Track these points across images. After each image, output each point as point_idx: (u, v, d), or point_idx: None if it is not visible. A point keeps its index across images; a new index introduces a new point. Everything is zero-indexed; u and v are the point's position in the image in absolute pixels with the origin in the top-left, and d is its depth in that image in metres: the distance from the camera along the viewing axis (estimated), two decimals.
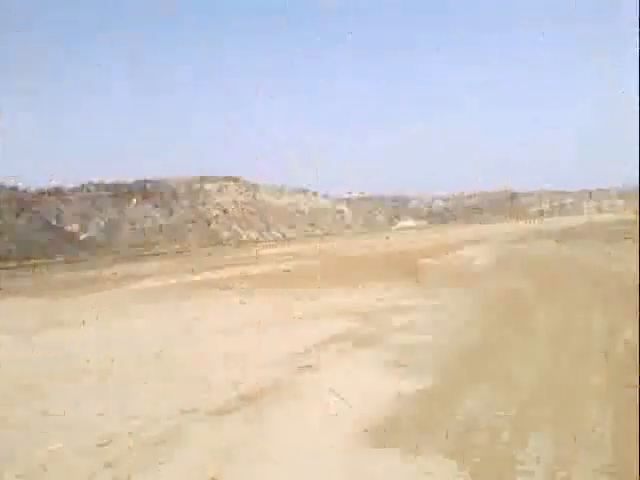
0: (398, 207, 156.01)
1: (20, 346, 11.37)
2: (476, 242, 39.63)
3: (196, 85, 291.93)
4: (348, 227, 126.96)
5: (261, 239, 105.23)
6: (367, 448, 5.19)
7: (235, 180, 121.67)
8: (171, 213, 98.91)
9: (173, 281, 24.96)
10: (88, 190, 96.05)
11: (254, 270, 28.27)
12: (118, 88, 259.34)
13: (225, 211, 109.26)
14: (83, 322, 13.99)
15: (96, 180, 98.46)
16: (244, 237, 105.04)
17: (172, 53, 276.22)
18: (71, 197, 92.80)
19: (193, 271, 31.12)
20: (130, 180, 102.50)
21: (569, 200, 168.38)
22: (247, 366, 8.33)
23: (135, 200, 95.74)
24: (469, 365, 7.61)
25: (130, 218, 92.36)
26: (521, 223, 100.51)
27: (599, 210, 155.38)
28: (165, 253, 69.68)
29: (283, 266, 29.64)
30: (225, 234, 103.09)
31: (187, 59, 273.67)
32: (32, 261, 61.24)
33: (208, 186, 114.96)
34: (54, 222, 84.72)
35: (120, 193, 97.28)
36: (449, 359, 7.99)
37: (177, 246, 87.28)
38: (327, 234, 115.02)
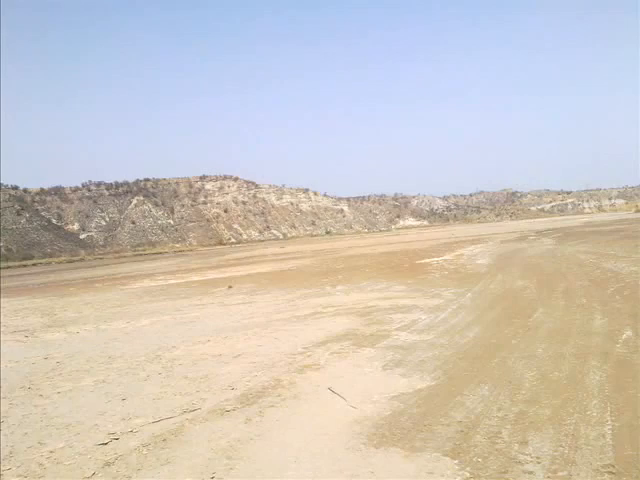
0: (399, 207, 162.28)
1: (25, 345, 11.37)
2: (477, 241, 39.63)
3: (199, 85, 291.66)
4: (349, 226, 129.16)
5: (262, 238, 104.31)
6: (367, 447, 5.19)
7: (235, 179, 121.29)
8: (172, 212, 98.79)
9: (174, 281, 24.97)
10: (89, 189, 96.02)
11: (256, 269, 28.27)
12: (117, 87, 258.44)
13: (226, 210, 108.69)
14: (86, 322, 14.00)
15: (97, 179, 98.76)
16: (245, 236, 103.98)
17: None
18: (72, 196, 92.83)
19: (194, 270, 31.15)
20: (130, 179, 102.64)
21: (570, 200, 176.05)
22: (247, 366, 8.33)
23: (136, 200, 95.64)
24: (469, 365, 7.60)
25: (131, 217, 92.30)
26: (522, 222, 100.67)
27: (600, 209, 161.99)
28: (166, 252, 69.83)
29: (284, 265, 29.66)
30: (226, 233, 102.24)
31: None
32: (33, 260, 61.36)
33: (209, 185, 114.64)
34: (55, 221, 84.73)
35: (121, 192, 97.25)
36: (449, 358, 7.98)
37: (178, 245, 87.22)
38: (328, 233, 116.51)
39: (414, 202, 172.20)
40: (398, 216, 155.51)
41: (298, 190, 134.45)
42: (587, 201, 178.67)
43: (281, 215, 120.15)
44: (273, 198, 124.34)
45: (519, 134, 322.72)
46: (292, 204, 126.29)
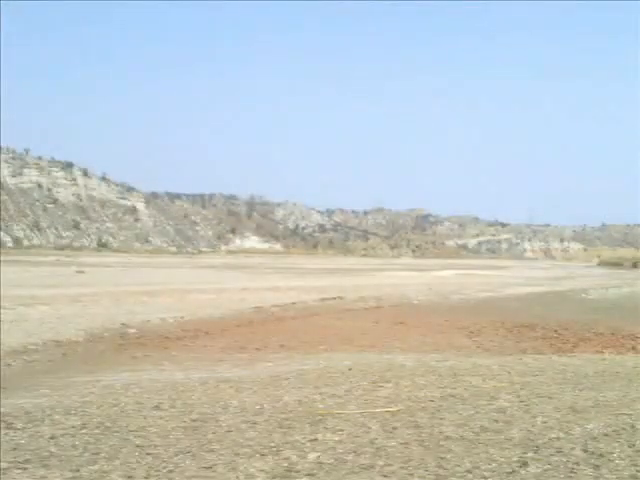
0: (238, 216, 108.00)
1: None
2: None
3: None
4: (145, 239, 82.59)
5: None
6: None
7: None
8: None
9: None
10: None
11: None
12: None
13: None
14: None
15: None
16: None
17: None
18: None
19: None
20: None
21: (505, 236, 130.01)
22: None
23: None
24: None
25: None
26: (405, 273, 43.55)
27: (547, 254, 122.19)
28: None
29: None
30: None
31: None
32: None
33: None
34: None
35: None
36: None
37: None
38: (101, 247, 70.11)
39: (280, 212, 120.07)
40: (233, 231, 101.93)
41: (54, 164, 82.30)
42: (530, 240, 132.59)
43: (17, 205, 73.57)
44: (6, 172, 75.73)
45: (440, 138, 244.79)
46: (42, 187, 78.33)
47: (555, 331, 12.36)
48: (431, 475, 2.88)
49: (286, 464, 3.05)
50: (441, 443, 3.36)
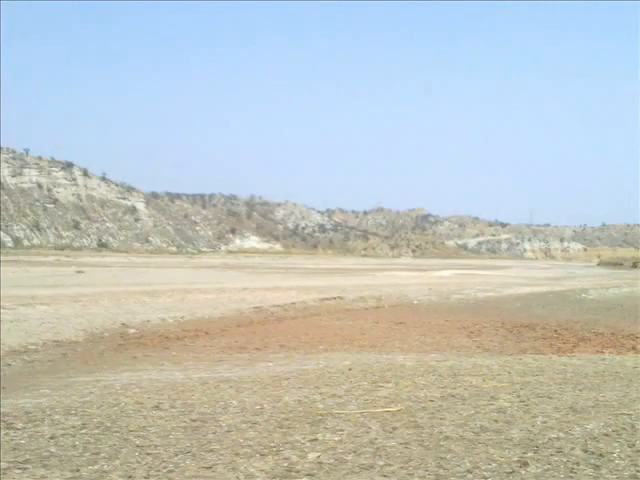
0: (238, 216, 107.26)
1: None
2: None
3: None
4: (145, 239, 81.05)
5: None
6: None
7: None
8: None
9: None
10: None
11: None
12: None
13: None
14: None
15: None
16: None
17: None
18: None
19: None
20: None
21: (505, 236, 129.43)
22: None
23: None
24: None
25: None
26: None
27: (547, 254, 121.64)
28: None
29: None
30: None
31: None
32: None
33: None
34: None
35: None
36: None
37: None
38: (101, 247, 67.91)
39: (280, 213, 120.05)
40: (233, 231, 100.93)
41: (54, 164, 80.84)
42: (529, 240, 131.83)
43: (17, 205, 71.63)
44: (6, 172, 73.79)
45: (439, 138, 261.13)
46: (42, 187, 76.66)
47: (555, 331, 12.35)
48: (431, 475, 2.88)
49: (286, 464, 3.06)
50: (441, 443, 3.37)
